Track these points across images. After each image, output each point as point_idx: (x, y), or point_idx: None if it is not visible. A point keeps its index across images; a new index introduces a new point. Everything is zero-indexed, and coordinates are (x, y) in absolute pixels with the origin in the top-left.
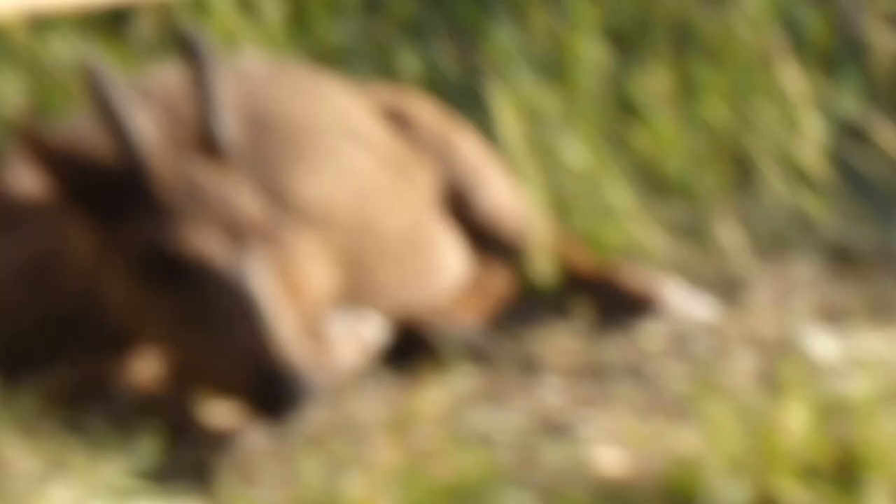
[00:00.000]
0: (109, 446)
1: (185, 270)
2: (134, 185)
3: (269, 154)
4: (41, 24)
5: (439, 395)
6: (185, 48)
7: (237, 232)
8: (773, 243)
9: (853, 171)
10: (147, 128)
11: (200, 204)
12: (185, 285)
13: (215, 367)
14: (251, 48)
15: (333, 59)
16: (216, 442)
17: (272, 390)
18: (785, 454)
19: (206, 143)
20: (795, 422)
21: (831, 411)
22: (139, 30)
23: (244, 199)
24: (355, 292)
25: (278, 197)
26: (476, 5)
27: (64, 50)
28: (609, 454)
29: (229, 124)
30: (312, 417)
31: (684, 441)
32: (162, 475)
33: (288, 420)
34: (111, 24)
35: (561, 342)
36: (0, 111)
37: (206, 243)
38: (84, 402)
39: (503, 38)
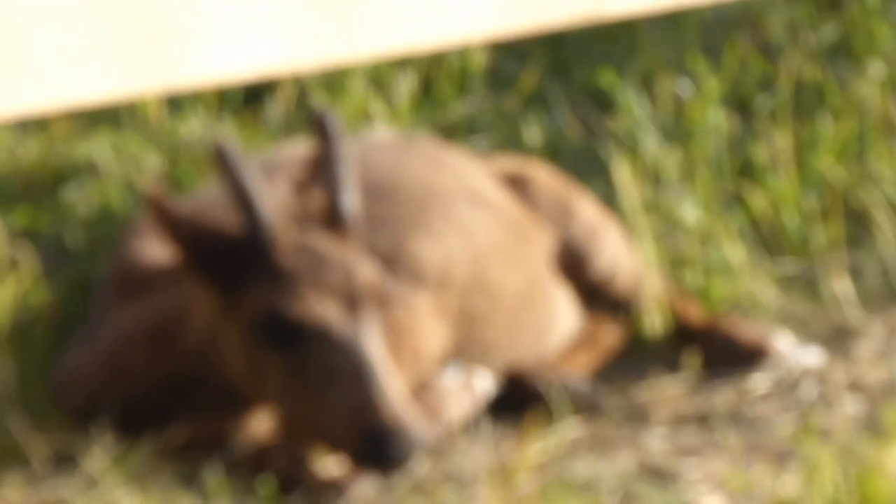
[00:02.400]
0: (222, 498)
1: (301, 334)
2: (256, 255)
3: (391, 218)
4: (177, 103)
5: (543, 444)
6: (316, 125)
7: (354, 299)
8: (884, 296)
9: None
10: (272, 202)
11: (320, 273)
12: (301, 348)
13: (325, 425)
14: (382, 124)
15: (460, 132)
16: (326, 492)
17: (378, 447)
18: (885, 499)
19: (330, 216)
20: None
21: None
22: (273, 107)
23: (362, 267)
24: (468, 348)
25: (398, 259)
26: (602, 76)
27: (198, 127)
28: (710, 499)
29: (354, 199)
30: (418, 469)
31: (785, 485)
32: None
33: (393, 474)
34: (245, 103)
35: (667, 392)
36: (135, 184)
37: (324, 309)
38: (199, 457)
39: (629, 106)
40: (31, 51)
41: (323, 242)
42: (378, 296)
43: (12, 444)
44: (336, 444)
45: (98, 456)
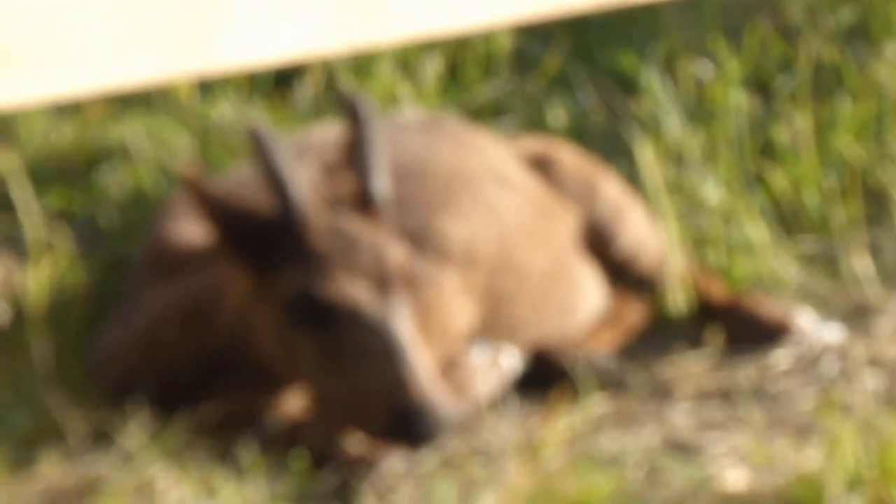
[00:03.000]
0: (256, 473)
1: (333, 315)
2: (289, 235)
3: (419, 198)
4: (208, 87)
5: (570, 420)
6: (346, 108)
7: (384, 279)
8: None
9: None
10: (304, 183)
11: (351, 255)
12: (332, 329)
13: (356, 403)
14: (409, 106)
15: (486, 114)
16: (357, 467)
17: (408, 425)
18: None
19: (361, 198)
20: None
21: None
22: (302, 91)
23: (392, 249)
24: (495, 326)
25: (426, 238)
26: (625, 58)
27: (229, 111)
28: (734, 473)
29: (384, 182)
30: (447, 444)
31: (807, 458)
32: (306, 499)
33: (423, 450)
34: (275, 86)
35: (691, 368)
36: (168, 166)
37: (355, 291)
38: (233, 434)
39: (652, 88)
40: (68, 38)
41: (354, 224)
42: (408, 277)
43: (50, 422)
44: (367, 422)
45: (134, 433)
